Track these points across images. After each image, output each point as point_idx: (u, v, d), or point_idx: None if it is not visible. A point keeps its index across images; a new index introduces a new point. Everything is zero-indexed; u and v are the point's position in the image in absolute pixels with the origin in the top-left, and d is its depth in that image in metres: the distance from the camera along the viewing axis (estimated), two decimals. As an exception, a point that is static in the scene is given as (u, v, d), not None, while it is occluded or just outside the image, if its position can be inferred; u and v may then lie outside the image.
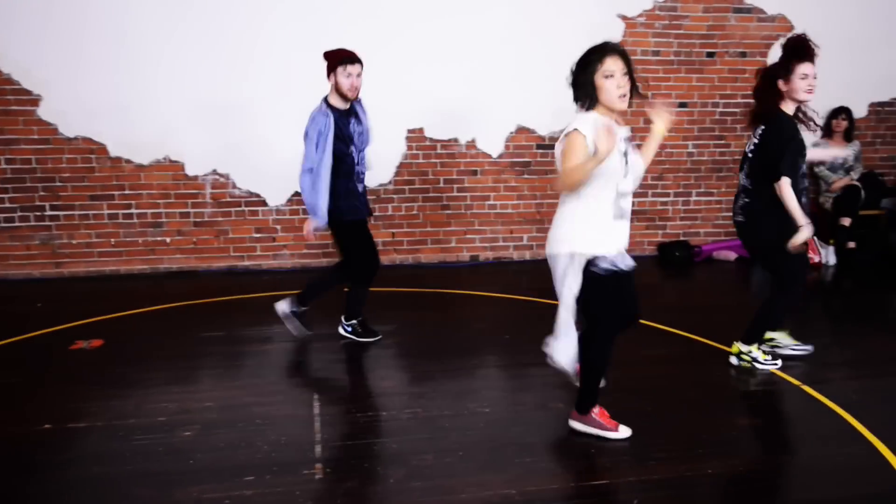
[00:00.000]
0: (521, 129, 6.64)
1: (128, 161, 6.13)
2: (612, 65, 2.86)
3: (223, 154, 6.23)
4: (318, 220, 4.03)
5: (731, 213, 7.05)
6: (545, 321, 4.33)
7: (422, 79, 6.36)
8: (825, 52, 6.93)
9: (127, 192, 6.16)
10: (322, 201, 4.00)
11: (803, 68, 3.52)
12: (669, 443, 3.15)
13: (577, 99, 3.01)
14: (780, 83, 3.58)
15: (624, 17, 6.57)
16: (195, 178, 6.25)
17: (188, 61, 6.03)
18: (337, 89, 4.02)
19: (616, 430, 3.17)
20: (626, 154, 2.96)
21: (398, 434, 3.25)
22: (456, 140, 6.55)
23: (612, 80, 2.86)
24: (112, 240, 6.22)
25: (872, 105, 7.18)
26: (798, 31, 6.79)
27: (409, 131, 6.49)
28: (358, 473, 2.90)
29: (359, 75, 4.01)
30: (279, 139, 6.26)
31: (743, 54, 6.82)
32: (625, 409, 3.51)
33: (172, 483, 2.83)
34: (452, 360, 4.26)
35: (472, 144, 6.59)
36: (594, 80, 2.90)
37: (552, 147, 6.66)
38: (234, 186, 6.31)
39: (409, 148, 6.50)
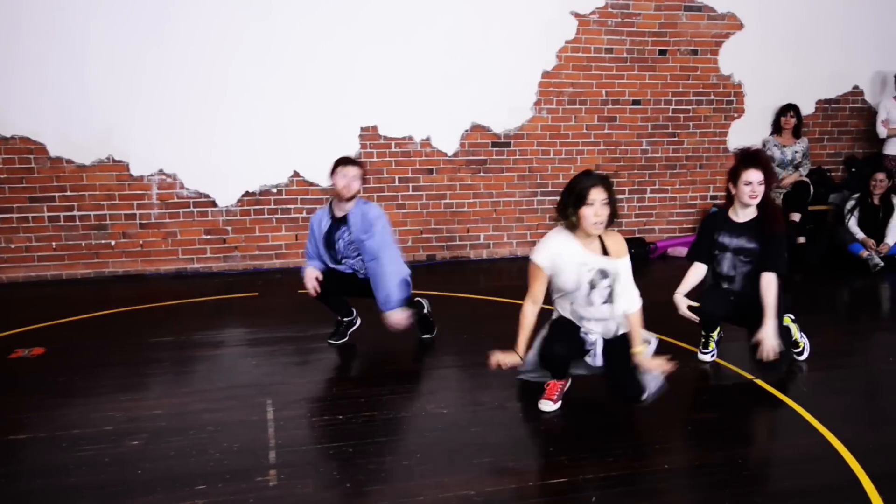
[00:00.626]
0: (476, 127, 6.66)
1: (69, 161, 5.96)
2: (595, 194, 3.15)
3: (170, 153, 6.11)
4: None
5: (685, 209, 7.24)
6: (503, 320, 4.36)
7: (375, 76, 6.33)
8: (773, 50, 7.16)
9: (68, 193, 6.00)
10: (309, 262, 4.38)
11: (746, 175, 3.80)
12: (627, 438, 3.20)
13: (559, 218, 3.30)
14: (730, 187, 3.90)
15: (577, 14, 6.64)
16: (140, 178, 6.11)
17: (132, 57, 5.90)
18: (333, 189, 4.23)
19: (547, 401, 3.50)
20: (593, 282, 3.30)
21: (354, 437, 3.23)
22: (410, 138, 6.55)
23: (590, 209, 3.16)
24: (53, 243, 6.05)
25: (820, 102, 7.40)
26: (748, 29, 7.02)
27: (363, 129, 6.45)
28: (313, 479, 2.87)
29: (355, 177, 4.19)
30: (229, 137, 6.17)
31: (694, 52, 6.96)
32: (581, 405, 3.55)
33: (120, 495, 2.77)
34: (409, 362, 4.25)
35: (426, 142, 6.59)
36: (578, 209, 3.19)
37: (508, 145, 6.73)
38: (182, 187, 6.20)
39: (363, 146, 6.47)
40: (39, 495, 2.76)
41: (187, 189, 6.21)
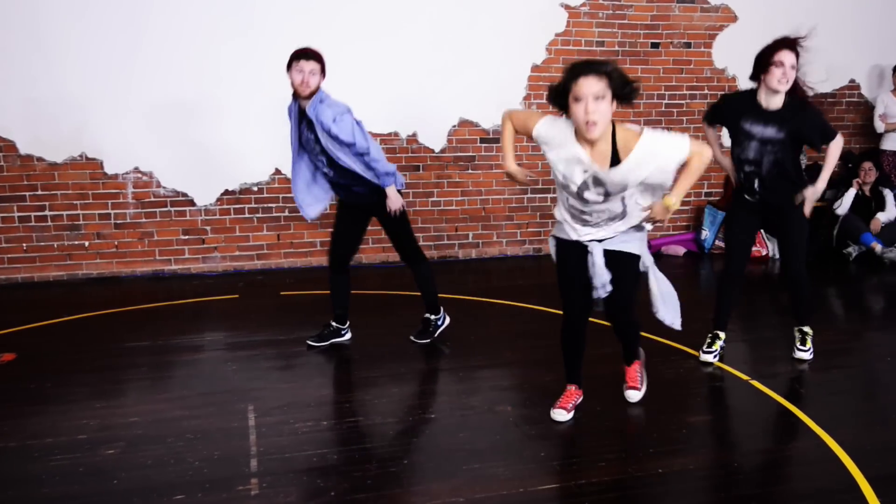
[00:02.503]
0: (464, 123, 6.66)
1: (40, 159, 5.92)
2: (585, 87, 2.73)
3: (146, 150, 6.08)
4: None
5: (679, 206, 7.26)
6: (492, 322, 4.38)
7: (359, 70, 6.32)
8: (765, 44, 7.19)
9: (39, 192, 5.96)
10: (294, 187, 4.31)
11: (779, 56, 3.72)
12: (619, 442, 3.22)
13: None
14: (762, 75, 3.79)
15: (567, 7, 6.66)
16: (115, 176, 6.08)
17: (105, 51, 5.86)
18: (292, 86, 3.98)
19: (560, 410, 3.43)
20: (585, 184, 2.96)
21: (339, 444, 3.23)
22: (396, 134, 6.54)
23: (580, 105, 2.76)
24: (24, 245, 6.00)
25: (816, 96, 7.43)
26: (742, 21, 7.06)
27: (347, 125, 6.43)
28: (296, 487, 2.86)
29: (313, 73, 3.92)
30: (206, 133, 6.14)
31: (688, 45, 7.00)
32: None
33: (95, 505, 2.76)
34: (396, 365, 4.24)
35: (413, 139, 6.59)
36: (568, 102, 2.83)
37: (497, 140, 6.73)
38: (159, 185, 6.17)
39: (347, 143, 6.45)
40: (10, 507, 2.74)
41: (164, 188, 6.18)
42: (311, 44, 5.86)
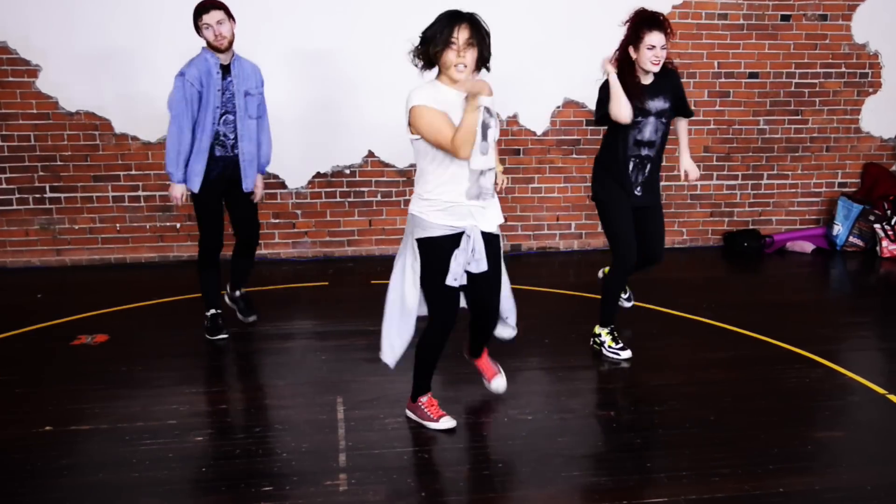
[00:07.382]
0: (569, 104, 6.58)
1: (134, 138, 6.21)
2: (459, 34, 3.07)
3: (238, 131, 6.28)
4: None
5: (807, 198, 6.98)
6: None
7: (457, 47, 6.33)
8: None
9: (133, 172, 6.25)
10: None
11: (650, 39, 3.87)
12: (735, 457, 3.12)
13: (420, 62, 3.29)
14: (630, 50, 3.97)
15: (687, -24, 6.47)
16: (207, 157, 6.31)
17: (200, 28, 6.08)
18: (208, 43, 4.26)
19: (437, 420, 3.33)
20: (485, 123, 3.11)
21: (431, 443, 3.26)
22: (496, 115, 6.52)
23: (452, 52, 3.09)
24: (117, 225, 6.32)
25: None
26: (888, -11, 6.68)
27: (443, 105, 6.46)
28: (386, 486, 2.91)
29: (222, 21, 4.18)
30: (298, 115, 6.29)
31: (823, 17, 6.67)
32: (683, 417, 3.48)
33: (182, 493, 2.89)
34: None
35: (513, 120, 6.56)
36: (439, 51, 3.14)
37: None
38: (250, 167, 6.36)
39: (443, 124, 6.48)
40: (102, 489, 2.90)
41: (255, 169, 6.37)
42: (409, 23, 5.83)
